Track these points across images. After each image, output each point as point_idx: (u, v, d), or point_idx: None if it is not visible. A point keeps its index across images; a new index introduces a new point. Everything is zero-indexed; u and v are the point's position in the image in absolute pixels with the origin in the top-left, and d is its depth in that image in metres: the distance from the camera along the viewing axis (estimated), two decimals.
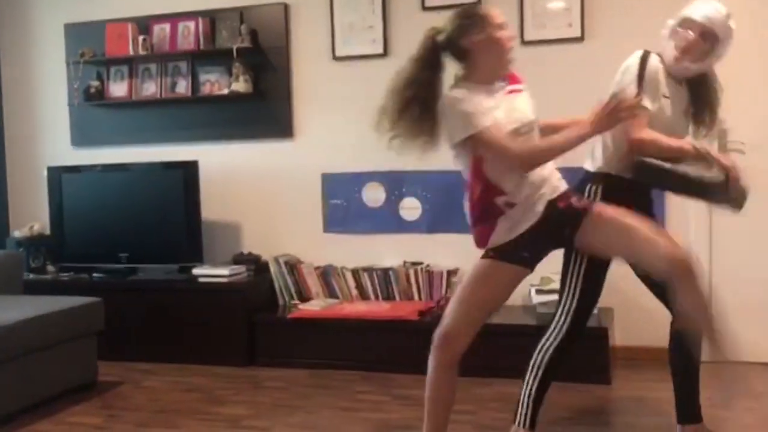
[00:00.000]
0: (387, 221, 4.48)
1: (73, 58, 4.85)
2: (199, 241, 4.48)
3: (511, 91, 2.55)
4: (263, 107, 4.62)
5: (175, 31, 4.68)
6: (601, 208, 2.53)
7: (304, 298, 4.47)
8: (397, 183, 4.45)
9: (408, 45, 4.32)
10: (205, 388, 3.84)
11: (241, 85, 4.51)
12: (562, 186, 2.55)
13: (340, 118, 4.50)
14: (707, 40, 2.66)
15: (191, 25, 4.62)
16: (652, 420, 3.14)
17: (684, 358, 2.80)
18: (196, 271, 4.40)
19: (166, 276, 4.46)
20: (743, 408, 3.32)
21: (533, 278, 3.86)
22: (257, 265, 4.52)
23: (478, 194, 2.49)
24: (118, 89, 4.85)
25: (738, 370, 3.87)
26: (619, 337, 4.04)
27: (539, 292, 3.96)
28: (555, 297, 3.86)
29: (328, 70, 4.51)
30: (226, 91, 4.58)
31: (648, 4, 4.01)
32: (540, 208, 2.47)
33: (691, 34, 2.68)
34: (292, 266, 4.52)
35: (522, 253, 2.50)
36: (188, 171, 4.47)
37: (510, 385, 3.65)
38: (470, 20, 2.50)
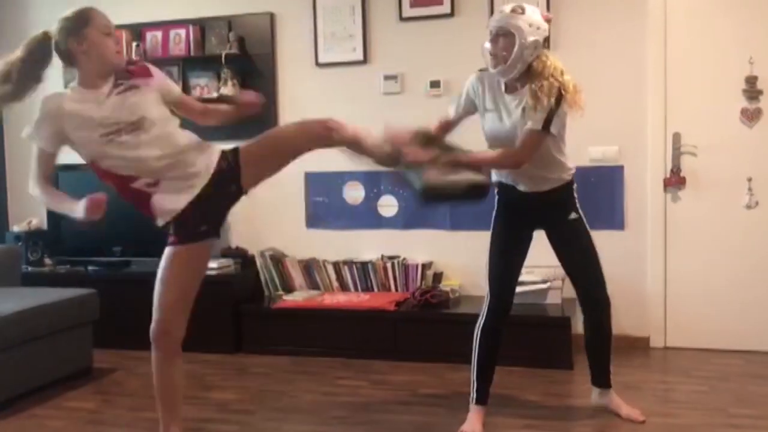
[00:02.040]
0: (366, 218, 4.49)
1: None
2: None
3: (126, 89, 2.47)
4: None
5: (167, 37, 4.65)
6: (243, 146, 2.62)
7: (288, 289, 4.47)
8: (375, 182, 4.46)
9: (385, 53, 4.40)
10: (195, 374, 3.83)
11: (229, 90, 4.49)
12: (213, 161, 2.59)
13: None
14: (497, 41, 2.71)
15: (182, 32, 4.60)
16: None
17: (591, 334, 3.05)
18: None
19: (157, 269, 4.42)
20: (691, 391, 3.37)
21: None
22: (244, 259, 4.51)
23: (116, 188, 2.53)
24: None
25: (692, 356, 3.93)
26: (581, 326, 4.07)
27: None
28: (524, 288, 3.93)
29: (311, 75, 4.51)
30: (215, 95, 4.56)
31: (612, 15, 4.05)
32: (196, 183, 2.49)
33: (487, 44, 2.76)
34: (277, 260, 4.52)
35: (200, 229, 2.53)
36: None
37: None
38: (73, 23, 2.46)
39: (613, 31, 4.06)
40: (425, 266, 4.29)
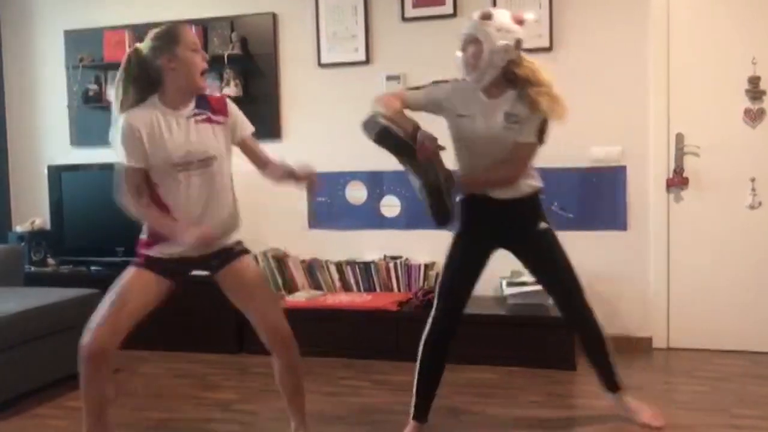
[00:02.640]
0: (368, 218, 4.48)
1: (73, 63, 4.81)
2: None
3: (204, 120, 2.51)
4: (252, 110, 4.48)
5: None
6: (246, 261, 2.67)
7: (291, 289, 4.46)
8: (378, 182, 4.45)
9: (388, 53, 4.40)
10: (197, 374, 3.83)
11: (231, 90, 4.49)
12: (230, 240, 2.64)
13: (325, 120, 4.50)
14: (467, 49, 2.69)
15: None
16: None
17: (582, 341, 2.98)
18: None
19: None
20: (693, 391, 3.36)
21: (504, 271, 3.91)
22: None
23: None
24: None
25: (695, 356, 3.92)
26: None
27: (510, 284, 3.98)
28: (525, 289, 3.93)
29: (313, 75, 4.51)
30: (217, 95, 4.56)
31: (614, 16, 4.05)
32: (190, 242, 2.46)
33: (458, 53, 2.73)
34: (280, 260, 4.51)
35: (168, 266, 2.55)
36: None
37: (482, 371, 3.70)
38: (162, 41, 2.46)
39: (616, 31, 4.05)
40: (428, 266, 4.29)
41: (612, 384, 2.94)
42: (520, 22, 2.69)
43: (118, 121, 2.45)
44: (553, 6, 4.07)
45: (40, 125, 5.05)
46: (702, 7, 3.95)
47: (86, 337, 2.49)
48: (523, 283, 3.92)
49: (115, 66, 4.72)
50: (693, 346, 4.01)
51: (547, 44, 4.10)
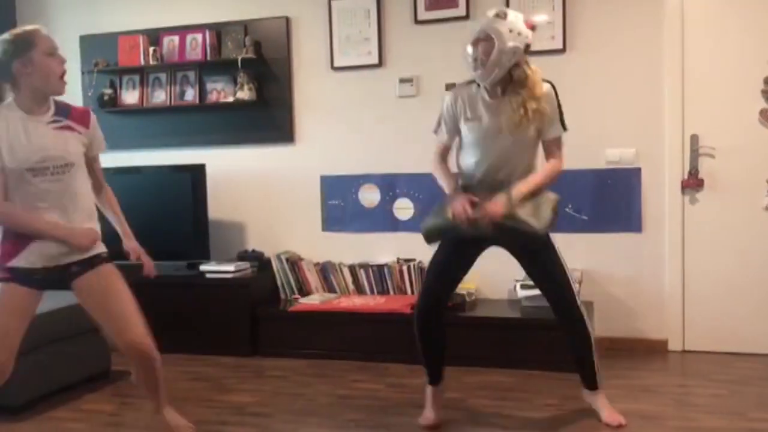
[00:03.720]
0: (382, 220, 4.48)
1: (88, 68, 4.85)
2: (206, 239, 4.49)
3: (63, 127, 2.49)
4: (266, 114, 4.62)
5: (184, 42, 4.67)
6: (110, 269, 2.62)
7: (304, 292, 4.47)
8: (391, 185, 4.45)
9: (401, 56, 4.40)
10: (211, 378, 3.84)
11: (245, 94, 4.51)
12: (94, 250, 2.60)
13: (338, 123, 4.50)
14: (477, 45, 2.72)
15: (199, 37, 4.62)
16: (630, 406, 3.15)
17: (568, 340, 3.01)
18: (203, 267, 4.39)
19: (176, 272, 4.46)
20: (710, 395, 3.33)
21: (518, 274, 3.89)
22: (260, 262, 4.52)
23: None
24: (130, 97, 4.84)
25: (711, 359, 3.89)
26: (598, 329, 4.04)
27: (524, 287, 3.96)
28: (539, 291, 3.89)
29: (326, 79, 4.51)
30: (231, 99, 4.58)
31: (628, 17, 4.03)
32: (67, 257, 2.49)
33: (468, 47, 2.77)
34: (293, 263, 4.52)
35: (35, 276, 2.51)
36: (196, 174, 4.47)
37: (496, 374, 3.69)
38: (16, 45, 2.42)
39: (630, 32, 4.03)
40: None
41: (592, 383, 3.01)
42: (532, 27, 2.74)
43: None
44: (566, 8, 4.06)
45: None
46: (717, 8, 3.92)
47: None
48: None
49: (130, 70, 4.82)
50: (709, 349, 3.97)
51: (560, 46, 4.08)
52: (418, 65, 4.33)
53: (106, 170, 4.85)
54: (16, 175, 2.42)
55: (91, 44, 4.89)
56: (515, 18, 2.71)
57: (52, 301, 3.61)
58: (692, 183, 3.96)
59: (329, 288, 4.47)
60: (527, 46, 2.71)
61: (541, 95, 2.75)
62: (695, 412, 3.10)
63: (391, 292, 4.36)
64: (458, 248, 2.92)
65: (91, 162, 2.66)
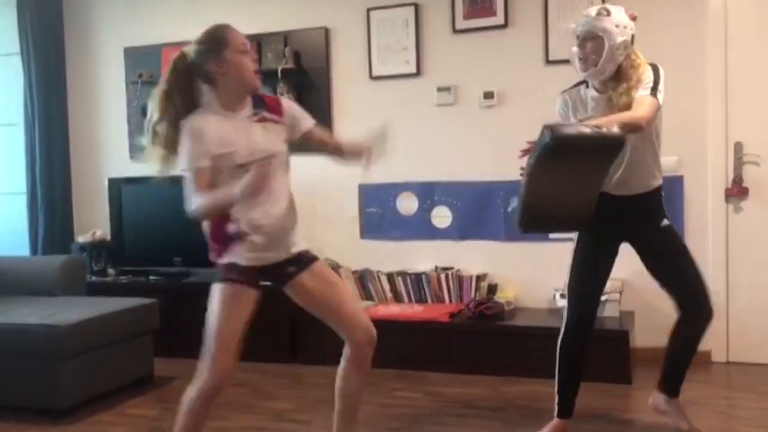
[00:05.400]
0: (419, 228, 4.47)
1: (132, 79, 4.94)
2: None
3: (261, 119, 2.46)
4: None
5: None
6: (321, 266, 2.59)
7: None
8: (429, 193, 4.44)
9: (439, 65, 4.39)
10: (251, 383, 3.86)
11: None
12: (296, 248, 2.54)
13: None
14: (585, 45, 2.71)
15: None
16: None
17: (683, 342, 2.88)
18: None
19: (217, 278, 4.49)
20: (757, 408, 3.25)
21: (558, 284, 3.85)
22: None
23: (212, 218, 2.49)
24: None
25: (756, 371, 3.79)
26: (639, 340, 3.97)
27: (564, 296, 3.91)
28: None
29: (365, 88, 4.53)
30: None
31: (670, 20, 3.97)
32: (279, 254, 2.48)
33: (574, 48, 2.75)
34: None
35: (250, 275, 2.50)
36: None
37: (536, 384, 3.64)
38: (209, 45, 2.41)
39: (672, 37, 3.97)
40: (480, 278, 4.25)
41: (675, 389, 2.92)
42: (633, 18, 2.75)
43: (183, 126, 2.36)
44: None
45: (100, 139, 5.19)
46: (761, 11, 3.84)
47: (206, 374, 2.46)
48: None
49: None
50: (754, 361, 3.88)
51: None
52: (456, 74, 4.33)
53: (149, 179, 4.90)
54: (228, 171, 2.38)
55: (135, 56, 4.99)
56: (618, 12, 2.71)
57: (97, 307, 3.69)
58: (736, 191, 3.88)
59: (367, 296, 4.47)
60: (633, 37, 2.73)
61: (640, 79, 2.71)
62: (741, 425, 3.04)
63: (429, 300, 4.34)
64: (599, 247, 2.86)
65: (311, 135, 2.63)
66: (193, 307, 4.55)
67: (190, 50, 2.46)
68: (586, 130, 2.48)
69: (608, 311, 3.86)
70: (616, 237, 2.85)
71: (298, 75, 4.59)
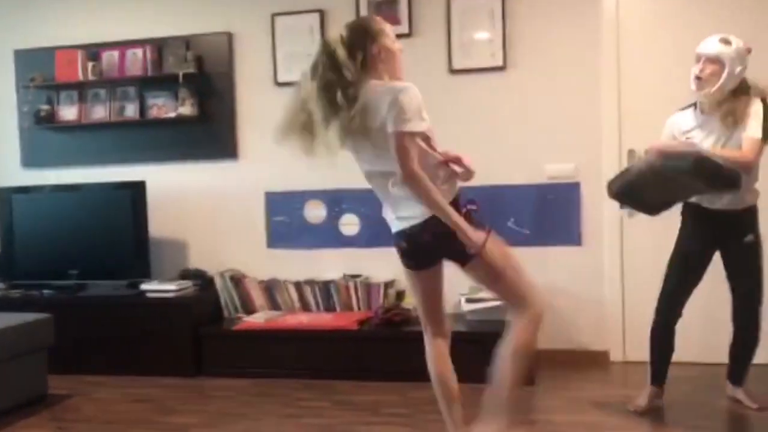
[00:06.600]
0: (327, 236, 4.46)
1: (23, 83, 4.71)
2: (147, 257, 4.38)
3: None
4: (208, 129, 4.56)
5: (124, 57, 4.58)
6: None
7: (249, 310, 4.40)
8: (336, 200, 4.44)
9: None
10: (154, 399, 3.74)
11: (187, 109, 4.45)
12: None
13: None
14: (706, 67, 2.99)
15: (139, 51, 4.54)
16: (576, 417, 3.18)
17: (745, 332, 3.23)
18: (144, 286, 4.29)
19: (115, 291, 4.34)
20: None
21: (463, 289, 3.91)
22: (203, 280, 4.44)
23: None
24: (68, 113, 4.72)
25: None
26: (539, 341, 4.08)
27: (469, 300, 3.99)
28: (484, 305, 3.92)
29: (270, 94, 4.47)
30: (172, 115, 4.51)
31: (566, 35, 4.11)
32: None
33: (695, 68, 3.04)
34: (237, 280, 4.45)
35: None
36: (136, 191, 4.37)
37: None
38: (367, 32, 2.47)
39: (568, 49, 4.12)
40: (388, 284, 4.27)
41: (741, 379, 3.31)
42: (749, 51, 2.99)
43: (410, 88, 2.37)
44: (506, 25, 4.12)
45: None
46: (652, 23, 4.03)
47: (534, 305, 2.56)
48: (481, 299, 3.93)
49: (67, 86, 4.69)
50: (648, 359, 4.04)
51: (500, 63, 4.14)
52: None
53: (42, 187, 4.69)
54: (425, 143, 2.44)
55: (26, 59, 4.76)
56: (737, 43, 2.96)
57: None
58: None
59: (274, 305, 4.42)
60: (745, 68, 2.98)
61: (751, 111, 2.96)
62: (641, 422, 3.15)
63: (338, 308, 4.33)
64: (698, 250, 3.19)
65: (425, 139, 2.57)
66: (89, 322, 4.40)
67: (339, 39, 2.47)
68: (724, 163, 2.81)
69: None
70: (710, 246, 3.18)
71: (201, 80, 4.50)
